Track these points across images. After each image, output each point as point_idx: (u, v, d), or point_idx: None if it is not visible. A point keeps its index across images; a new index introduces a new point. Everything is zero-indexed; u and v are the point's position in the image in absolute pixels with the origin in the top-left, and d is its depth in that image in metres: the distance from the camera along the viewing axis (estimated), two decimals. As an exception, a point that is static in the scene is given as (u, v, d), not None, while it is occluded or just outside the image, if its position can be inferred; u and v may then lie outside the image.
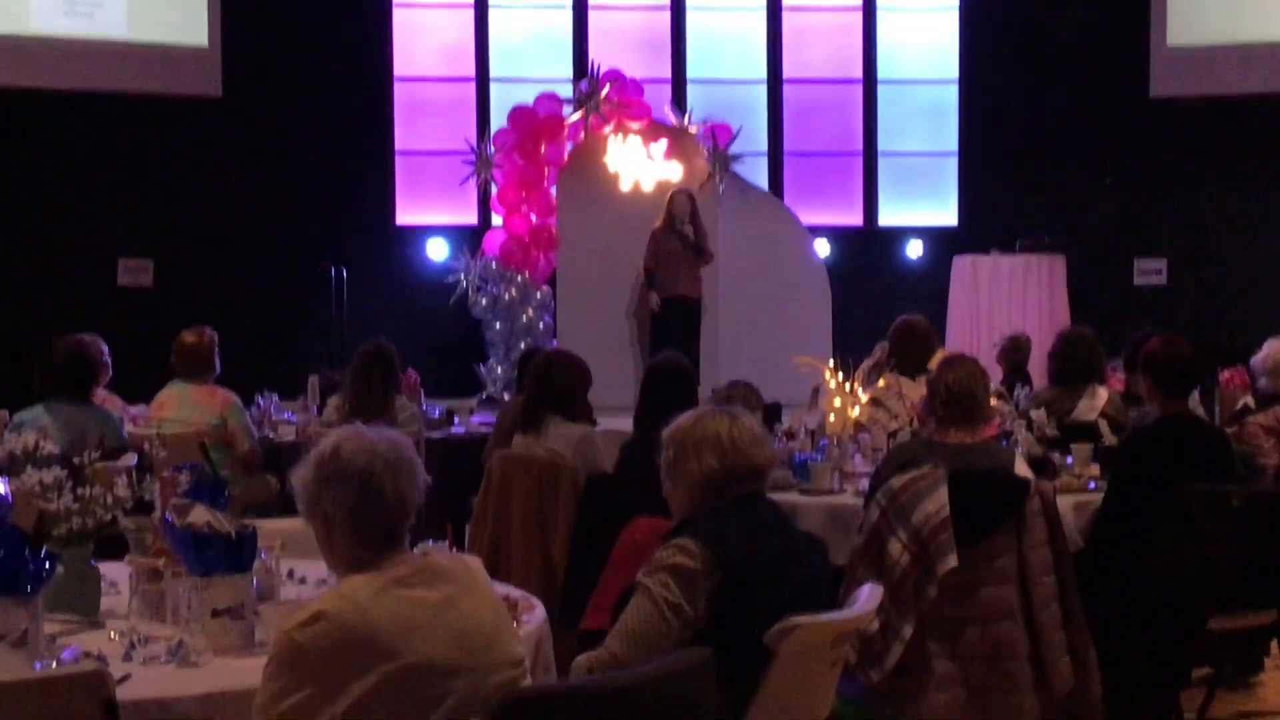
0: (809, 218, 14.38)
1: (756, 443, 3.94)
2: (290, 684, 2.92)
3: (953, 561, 4.92)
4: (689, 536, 3.76)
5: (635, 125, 13.51)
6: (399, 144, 15.24)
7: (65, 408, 7.14)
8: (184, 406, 7.96)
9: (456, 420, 9.49)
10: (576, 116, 13.48)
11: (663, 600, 3.68)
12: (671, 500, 4.00)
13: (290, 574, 4.29)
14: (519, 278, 13.68)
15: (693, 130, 13.60)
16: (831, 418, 6.89)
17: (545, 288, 13.86)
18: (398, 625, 2.96)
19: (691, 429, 3.95)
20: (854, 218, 15.57)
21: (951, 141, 15.52)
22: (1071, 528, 5.66)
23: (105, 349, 8.24)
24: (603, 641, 3.76)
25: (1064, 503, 5.62)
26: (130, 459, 4.36)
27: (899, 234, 15.44)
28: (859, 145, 15.58)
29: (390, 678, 2.92)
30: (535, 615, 3.86)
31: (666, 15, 15.49)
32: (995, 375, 8.30)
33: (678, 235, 12.48)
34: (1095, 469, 6.40)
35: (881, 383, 7.29)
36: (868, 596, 3.93)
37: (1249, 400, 7.58)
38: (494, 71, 15.38)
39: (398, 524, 3.10)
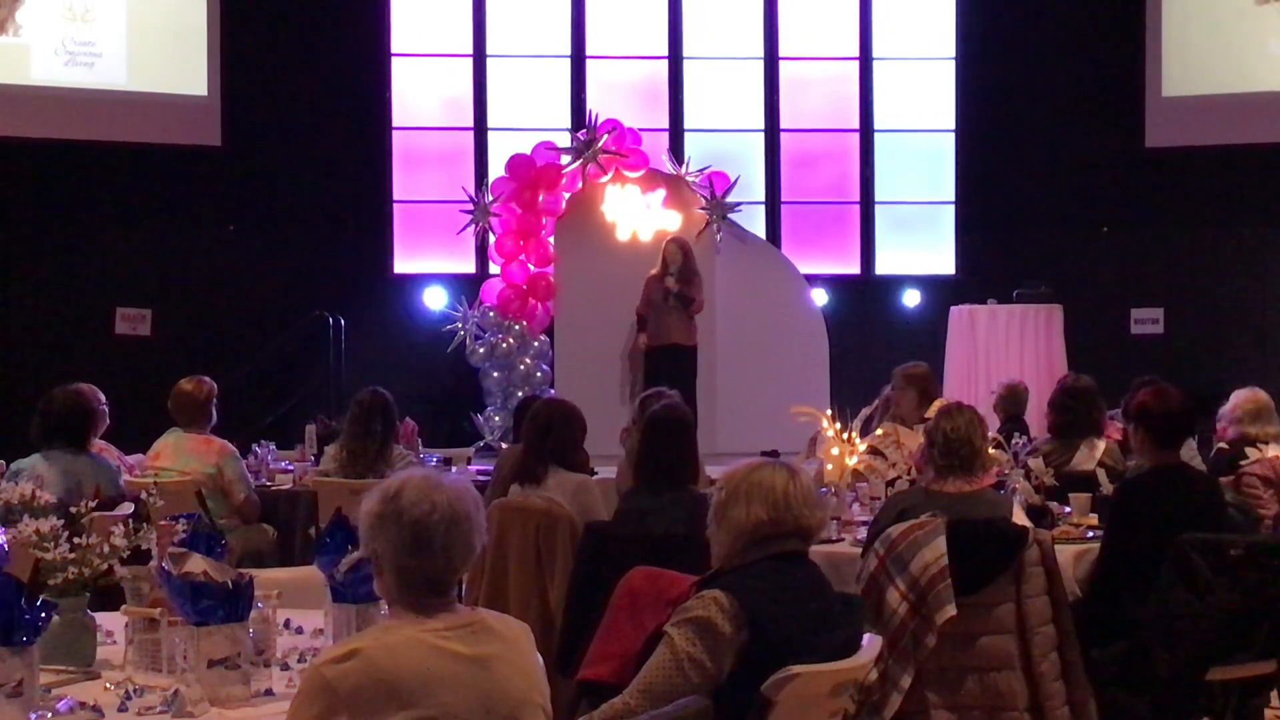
0: (806, 266, 14.42)
1: (810, 504, 3.87)
2: (315, 717, 2.95)
3: (951, 611, 4.91)
4: (723, 589, 3.71)
5: (633, 174, 13.57)
6: (397, 193, 15.27)
7: (62, 457, 7.15)
8: (179, 456, 7.94)
9: (454, 469, 9.47)
10: (574, 166, 13.52)
11: (685, 654, 3.63)
12: (714, 543, 3.93)
13: (287, 624, 4.28)
14: (516, 327, 13.70)
15: (690, 179, 13.66)
16: (829, 466, 6.88)
17: (543, 337, 13.87)
18: (424, 675, 2.97)
19: (748, 475, 3.89)
20: (851, 266, 15.60)
21: (948, 191, 15.56)
22: (1070, 577, 5.64)
23: (103, 398, 8.23)
24: (604, 691, 3.74)
25: (1062, 552, 5.61)
26: (127, 508, 4.35)
27: (896, 282, 15.46)
28: (856, 194, 15.62)
29: None
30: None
31: (664, 65, 15.56)
32: (992, 424, 8.30)
33: (664, 286, 12.54)
34: (1093, 518, 6.39)
35: (879, 431, 7.30)
36: (866, 646, 3.92)
37: (1223, 445, 7.59)
38: (492, 121, 15.43)
39: (443, 578, 3.10)
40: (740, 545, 3.85)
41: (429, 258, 15.18)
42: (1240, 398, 7.41)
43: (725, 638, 3.65)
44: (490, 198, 13.80)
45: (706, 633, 3.65)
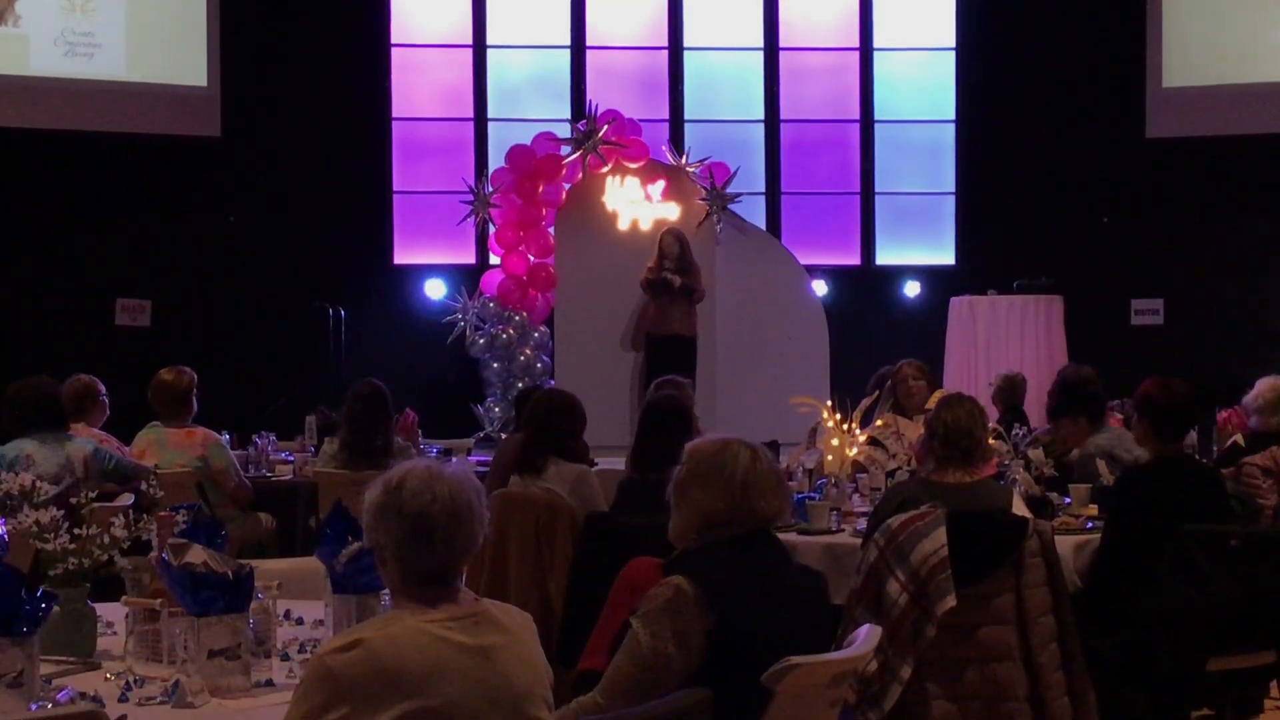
0: (806, 257, 14.40)
1: (769, 491, 3.86)
2: (318, 707, 2.95)
3: (951, 602, 4.91)
4: (685, 575, 3.71)
5: (633, 165, 13.56)
6: (397, 184, 15.27)
7: (46, 435, 7.05)
8: (164, 452, 7.79)
9: (454, 460, 9.47)
10: (574, 156, 13.52)
11: (650, 649, 3.62)
12: (673, 516, 3.94)
13: (287, 615, 4.28)
14: (517, 318, 13.69)
15: (690, 170, 13.64)
16: (829, 457, 6.88)
17: (543, 328, 13.87)
18: (428, 665, 2.98)
19: (713, 456, 3.88)
20: (851, 257, 15.59)
21: (949, 182, 15.55)
22: (1070, 568, 5.65)
23: (103, 389, 8.22)
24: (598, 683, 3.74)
25: (1062, 543, 5.62)
26: (127, 499, 4.36)
27: (896, 274, 15.46)
28: (856, 185, 15.61)
29: (412, 715, 2.94)
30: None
31: (664, 55, 15.54)
32: (991, 415, 8.31)
33: (667, 280, 12.53)
34: (1093, 509, 6.39)
35: (879, 422, 7.29)
36: (866, 637, 3.92)
37: (1239, 439, 7.56)
38: (492, 111, 15.43)
39: (445, 569, 3.11)
40: (696, 527, 3.86)
41: (429, 249, 15.17)
42: (1263, 386, 7.28)
43: (692, 626, 3.64)
44: (490, 188, 13.79)
45: (673, 623, 3.64)
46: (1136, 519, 5.72)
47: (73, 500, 4.12)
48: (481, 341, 13.74)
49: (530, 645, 3.17)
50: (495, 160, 14.50)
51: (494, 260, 14.26)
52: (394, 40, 15.29)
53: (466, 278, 14.51)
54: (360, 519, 3.25)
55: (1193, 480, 5.94)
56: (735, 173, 13.71)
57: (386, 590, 3.34)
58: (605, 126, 13.47)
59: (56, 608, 3.59)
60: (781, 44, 15.52)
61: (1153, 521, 5.61)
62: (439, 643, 3.00)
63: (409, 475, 3.12)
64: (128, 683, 3.59)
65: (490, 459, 9.25)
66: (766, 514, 3.87)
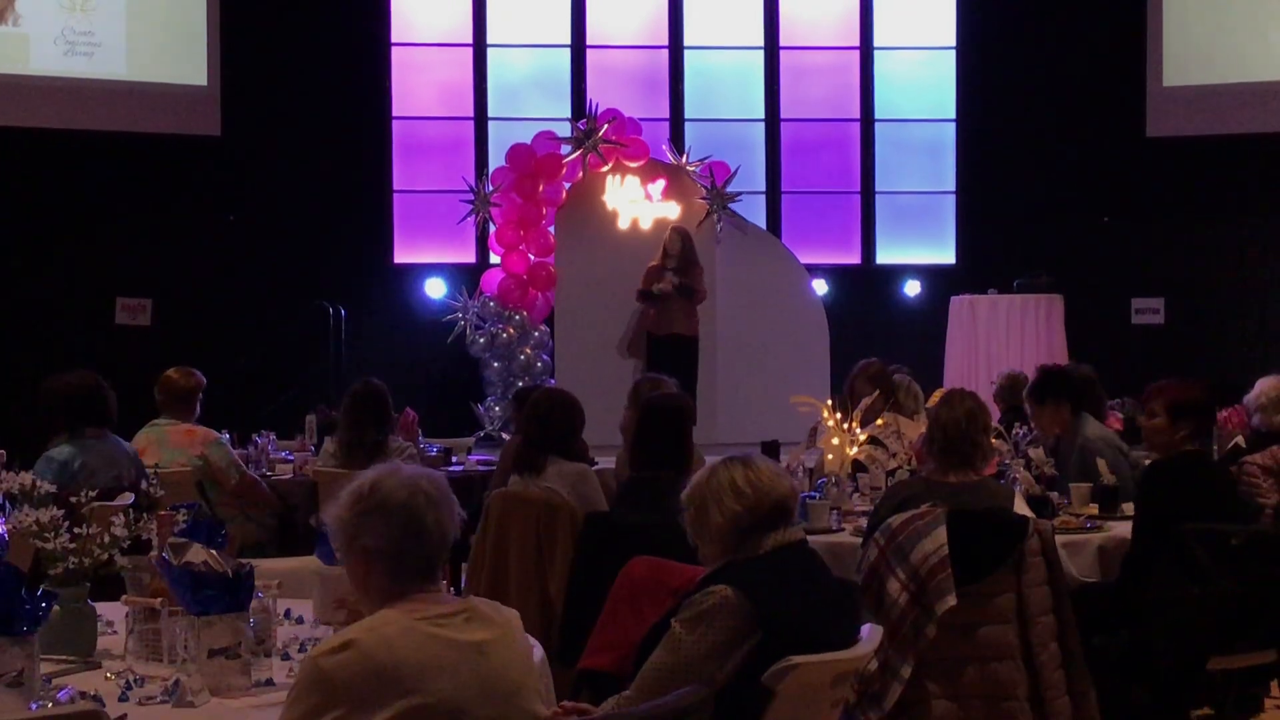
0: (807, 256, 14.41)
1: (774, 477, 3.88)
2: (312, 709, 2.94)
3: (951, 601, 4.91)
4: (733, 586, 3.67)
5: (633, 164, 13.56)
6: (397, 183, 15.27)
7: (96, 444, 6.95)
8: (164, 451, 7.73)
9: (454, 459, 9.46)
10: (575, 155, 13.51)
11: (688, 655, 3.61)
12: (706, 559, 3.92)
13: (287, 614, 4.28)
14: (517, 317, 13.69)
15: (691, 169, 13.64)
16: (829, 456, 6.88)
17: (543, 327, 13.87)
18: (423, 662, 2.97)
19: (707, 483, 3.89)
20: (852, 256, 15.60)
21: (949, 181, 15.56)
22: (1070, 567, 5.65)
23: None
24: (604, 680, 3.73)
25: (1062, 542, 5.61)
26: (127, 498, 4.35)
27: (897, 273, 15.47)
28: (857, 184, 15.62)
29: (409, 713, 2.94)
30: (534, 655, 3.83)
31: (665, 54, 15.55)
32: (993, 414, 8.30)
33: (662, 285, 12.52)
34: (1093, 508, 6.39)
35: (880, 421, 7.29)
36: (867, 636, 3.92)
37: (1240, 439, 7.55)
38: (492, 110, 15.43)
39: (437, 557, 3.12)
40: (731, 542, 3.84)
41: (429, 248, 15.18)
42: (1265, 385, 7.25)
43: (736, 637, 3.62)
44: (490, 187, 13.78)
45: (718, 630, 3.62)
46: (1172, 513, 5.63)
47: (73, 499, 4.11)
48: (481, 340, 13.74)
49: (521, 640, 3.18)
50: (495, 159, 14.51)
51: (494, 259, 14.26)
52: (394, 39, 15.30)
53: (467, 277, 14.51)
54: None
55: (1214, 477, 5.95)
56: (735, 172, 13.70)
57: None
58: (605, 125, 13.47)
59: (57, 607, 3.58)
60: (782, 43, 15.53)
61: (1185, 516, 5.55)
62: (432, 639, 3.00)
63: (380, 478, 3.14)
64: (128, 682, 3.59)
65: (489, 457, 9.25)
66: (781, 495, 3.87)
